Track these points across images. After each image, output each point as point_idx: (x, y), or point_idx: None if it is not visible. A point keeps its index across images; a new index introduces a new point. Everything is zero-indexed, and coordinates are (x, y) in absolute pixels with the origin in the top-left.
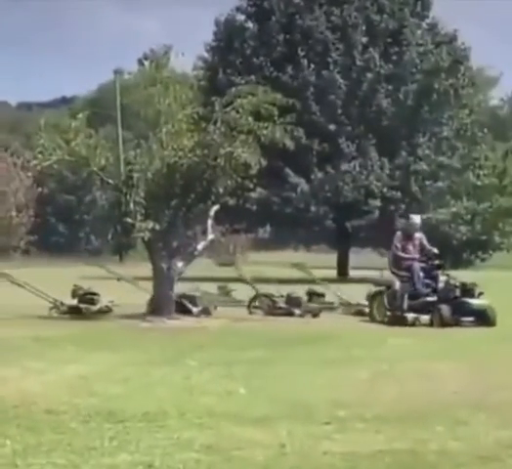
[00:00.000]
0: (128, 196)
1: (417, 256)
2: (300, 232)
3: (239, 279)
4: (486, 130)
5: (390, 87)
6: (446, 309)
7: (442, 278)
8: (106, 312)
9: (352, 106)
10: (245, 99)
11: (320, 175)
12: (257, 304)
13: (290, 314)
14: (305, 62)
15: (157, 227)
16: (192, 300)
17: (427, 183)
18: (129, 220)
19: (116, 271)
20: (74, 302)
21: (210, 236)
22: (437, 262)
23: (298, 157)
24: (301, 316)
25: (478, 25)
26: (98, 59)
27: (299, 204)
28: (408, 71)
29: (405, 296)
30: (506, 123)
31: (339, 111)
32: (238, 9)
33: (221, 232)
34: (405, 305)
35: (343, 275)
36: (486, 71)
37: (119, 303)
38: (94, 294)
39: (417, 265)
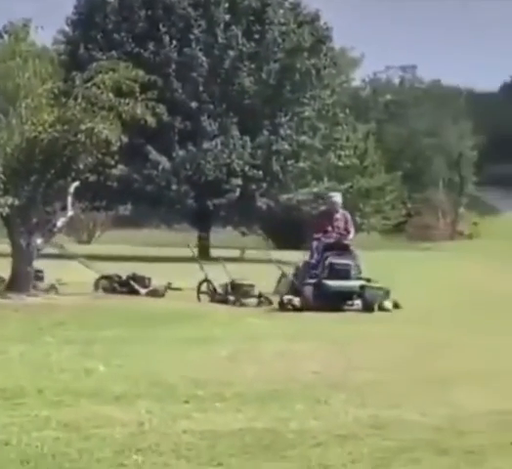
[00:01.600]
0: None
1: (320, 235)
2: (162, 210)
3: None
4: (347, 111)
5: (252, 66)
6: (308, 290)
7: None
8: None
9: (214, 83)
10: (106, 74)
11: (181, 153)
12: (204, 289)
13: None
14: (167, 38)
15: (16, 202)
16: (141, 281)
17: (288, 162)
18: None
19: None
20: None
21: (70, 213)
22: (345, 242)
23: (160, 135)
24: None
25: (341, 5)
26: None
27: (160, 182)
28: (271, 50)
29: (303, 277)
30: (368, 104)
31: (201, 89)
32: None
33: (81, 208)
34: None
35: (204, 254)
36: (348, 52)
37: None
38: None
39: (315, 243)
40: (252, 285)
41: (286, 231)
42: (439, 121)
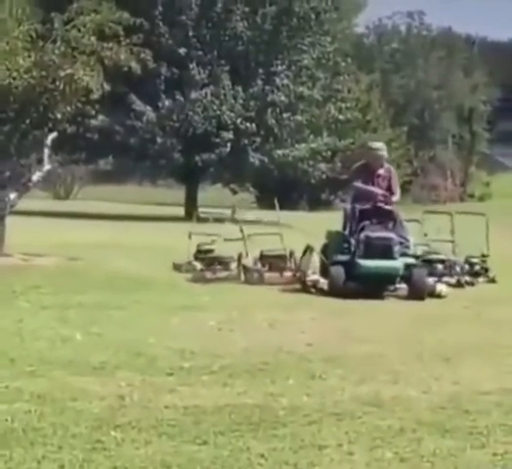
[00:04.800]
0: None
1: (380, 192)
2: (146, 164)
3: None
4: (349, 60)
5: (246, 9)
6: (337, 272)
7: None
8: None
9: (204, 28)
10: (88, 16)
11: (168, 103)
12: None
13: None
14: None
15: None
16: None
17: (285, 115)
18: None
19: None
20: None
21: (46, 167)
22: (387, 207)
23: (145, 83)
24: None
25: None
26: None
27: (145, 134)
28: None
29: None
30: (372, 53)
31: (190, 34)
32: None
33: (58, 162)
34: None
35: (191, 213)
36: None
37: None
38: None
39: (350, 207)
40: (284, 256)
41: (281, 190)
42: (448, 72)
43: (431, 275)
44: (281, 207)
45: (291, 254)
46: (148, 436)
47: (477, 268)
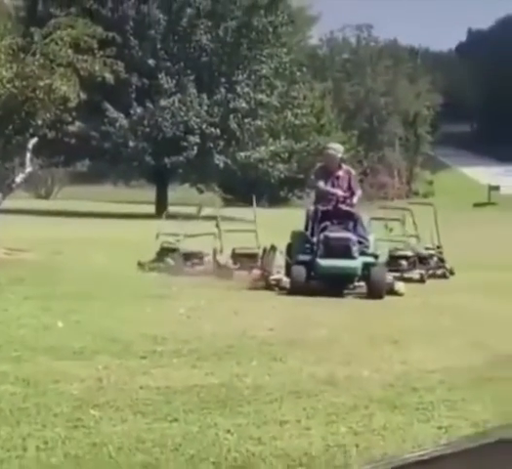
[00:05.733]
0: None
1: (340, 193)
2: (119, 166)
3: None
4: (304, 69)
5: (209, 23)
6: (298, 271)
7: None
8: None
9: (171, 41)
10: (65, 31)
11: (139, 110)
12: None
13: None
14: None
15: None
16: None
17: (246, 120)
18: None
19: None
20: None
21: (28, 169)
22: (345, 208)
23: (117, 92)
24: None
25: None
26: None
27: (118, 139)
28: (228, 8)
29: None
30: (325, 63)
31: (159, 46)
32: None
33: (39, 164)
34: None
35: (162, 211)
36: (305, 11)
37: None
38: None
39: (312, 208)
40: (255, 255)
41: (243, 188)
42: (395, 80)
43: (396, 270)
44: (244, 205)
45: (264, 252)
46: (124, 414)
47: (435, 259)
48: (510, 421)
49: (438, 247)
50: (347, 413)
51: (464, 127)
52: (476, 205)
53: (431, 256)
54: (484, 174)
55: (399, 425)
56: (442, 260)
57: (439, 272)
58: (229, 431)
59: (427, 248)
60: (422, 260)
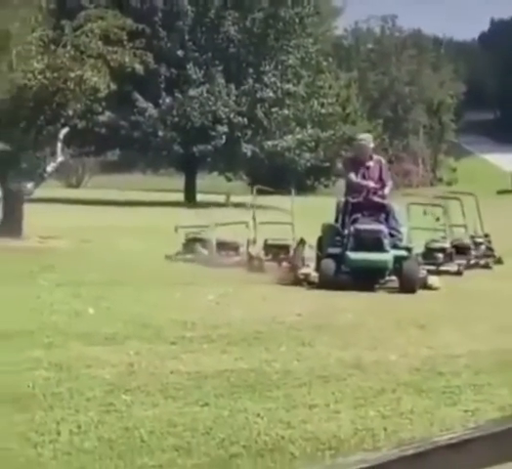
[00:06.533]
0: None
1: (371, 184)
2: (149, 155)
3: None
4: (330, 59)
5: (237, 14)
6: (327, 264)
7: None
8: None
9: (199, 32)
10: (95, 23)
11: (168, 100)
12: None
13: None
14: None
15: (7, 148)
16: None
17: (273, 110)
18: None
19: None
20: None
21: (59, 158)
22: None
23: (147, 82)
24: None
25: None
26: None
27: (147, 129)
28: None
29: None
30: (350, 53)
31: (187, 37)
32: None
33: (70, 154)
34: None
35: (191, 199)
36: (331, 2)
37: None
38: None
39: (343, 200)
40: (287, 247)
41: (271, 177)
42: (419, 70)
43: (432, 264)
44: (271, 193)
45: (299, 244)
46: (155, 399)
47: (482, 248)
48: None
49: (485, 236)
50: (375, 397)
51: (488, 115)
52: (500, 192)
53: (479, 244)
54: (506, 161)
55: (426, 409)
56: (490, 249)
57: (482, 261)
58: (259, 415)
59: (473, 237)
60: (462, 250)
